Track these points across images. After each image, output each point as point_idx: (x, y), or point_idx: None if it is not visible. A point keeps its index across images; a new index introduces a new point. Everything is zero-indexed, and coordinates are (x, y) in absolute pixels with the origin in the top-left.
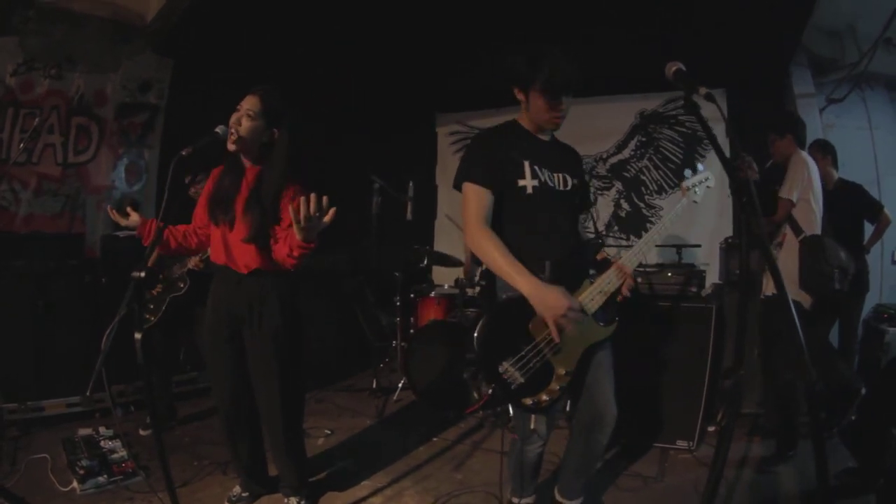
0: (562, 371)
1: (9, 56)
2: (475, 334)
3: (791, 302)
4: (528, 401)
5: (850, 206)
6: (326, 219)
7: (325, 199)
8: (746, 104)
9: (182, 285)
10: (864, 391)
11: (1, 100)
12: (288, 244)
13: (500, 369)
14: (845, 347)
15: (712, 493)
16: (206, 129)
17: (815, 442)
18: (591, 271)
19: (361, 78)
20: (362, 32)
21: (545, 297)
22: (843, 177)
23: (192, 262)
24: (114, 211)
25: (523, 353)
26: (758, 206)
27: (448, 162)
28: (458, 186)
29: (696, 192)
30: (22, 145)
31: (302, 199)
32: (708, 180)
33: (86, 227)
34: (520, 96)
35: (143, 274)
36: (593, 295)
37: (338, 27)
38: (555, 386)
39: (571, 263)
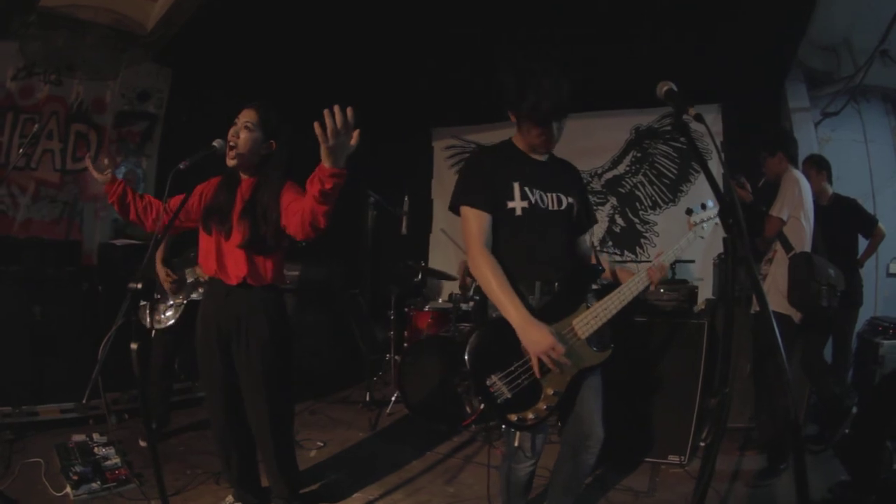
0: (550, 391)
1: (9, 60)
2: (467, 345)
3: (774, 320)
4: (514, 417)
5: (844, 221)
6: (353, 141)
7: (349, 110)
8: (742, 120)
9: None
10: (855, 408)
11: (1, 104)
12: (317, 180)
13: (488, 382)
14: (839, 361)
15: None
16: (204, 138)
17: (796, 462)
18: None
19: (358, 92)
20: (359, 46)
21: (529, 332)
22: (839, 190)
23: (199, 273)
24: (90, 163)
25: (512, 368)
26: (744, 228)
27: (444, 176)
28: (453, 208)
29: (703, 228)
30: (21, 150)
31: (326, 111)
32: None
33: (83, 234)
34: (512, 118)
35: (139, 285)
36: (588, 319)
37: (335, 41)
38: (542, 405)
39: (567, 285)
